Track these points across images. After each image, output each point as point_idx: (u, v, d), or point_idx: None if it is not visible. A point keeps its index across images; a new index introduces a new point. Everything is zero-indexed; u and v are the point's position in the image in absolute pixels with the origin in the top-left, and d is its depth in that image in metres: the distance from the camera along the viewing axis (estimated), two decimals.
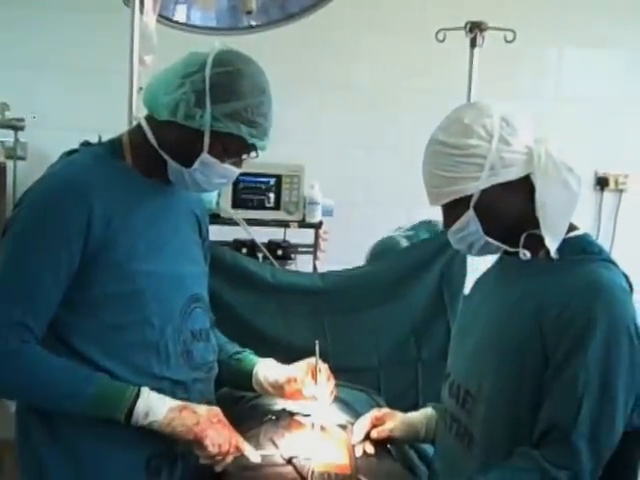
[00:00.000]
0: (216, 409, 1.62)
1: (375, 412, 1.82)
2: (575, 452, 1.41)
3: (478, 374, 1.58)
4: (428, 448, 1.88)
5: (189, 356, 1.66)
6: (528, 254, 1.54)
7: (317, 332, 2.00)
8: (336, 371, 1.89)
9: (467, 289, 1.96)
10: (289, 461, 1.64)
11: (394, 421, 1.79)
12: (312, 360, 1.81)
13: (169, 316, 1.63)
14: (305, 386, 1.79)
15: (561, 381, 1.44)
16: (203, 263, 1.80)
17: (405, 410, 1.85)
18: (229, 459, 1.59)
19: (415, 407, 1.90)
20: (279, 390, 1.83)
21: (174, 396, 1.59)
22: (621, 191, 4.09)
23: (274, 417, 1.82)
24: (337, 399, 1.90)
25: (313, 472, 1.59)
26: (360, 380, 2.15)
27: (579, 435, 1.41)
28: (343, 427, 1.81)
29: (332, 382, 1.82)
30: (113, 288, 1.56)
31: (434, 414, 1.79)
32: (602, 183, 4.06)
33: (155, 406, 1.54)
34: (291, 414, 1.83)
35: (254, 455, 1.61)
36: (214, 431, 1.56)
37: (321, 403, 1.79)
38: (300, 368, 1.82)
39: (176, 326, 1.63)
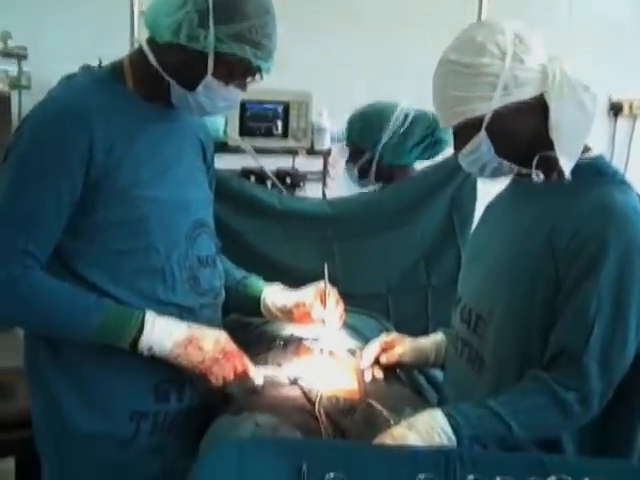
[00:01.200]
0: (223, 338, 1.60)
1: (384, 337, 1.81)
2: (585, 374, 1.40)
3: (490, 299, 1.56)
4: (437, 373, 1.88)
5: (195, 282, 1.64)
6: (541, 176, 1.50)
7: (326, 258, 1.94)
8: (345, 297, 1.87)
9: (477, 214, 1.96)
10: (294, 382, 1.64)
11: (403, 346, 1.78)
12: (321, 284, 1.80)
13: (174, 242, 1.61)
14: (314, 310, 1.78)
15: (573, 304, 1.42)
16: (208, 189, 1.77)
17: (414, 336, 1.85)
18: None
19: (425, 333, 1.90)
20: (287, 315, 1.82)
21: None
22: (635, 117, 4.02)
23: (282, 343, 1.82)
24: (346, 324, 1.89)
25: (321, 396, 1.58)
26: (369, 306, 2.14)
27: (590, 358, 1.40)
28: (352, 352, 1.81)
29: (341, 306, 1.81)
30: (117, 214, 1.54)
31: (444, 339, 1.79)
32: (616, 109, 3.98)
33: (160, 339, 1.53)
34: (299, 340, 1.82)
35: (258, 377, 1.61)
36: (218, 366, 1.57)
37: (330, 327, 1.78)
38: (309, 292, 1.81)
39: (182, 252, 1.62)
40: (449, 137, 2.21)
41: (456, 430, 1.38)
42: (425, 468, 1.25)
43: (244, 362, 1.60)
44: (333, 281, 1.86)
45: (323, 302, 1.78)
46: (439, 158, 2.38)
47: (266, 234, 2.25)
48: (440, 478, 1.24)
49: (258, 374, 1.61)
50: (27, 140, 1.50)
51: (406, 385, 1.81)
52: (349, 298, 1.92)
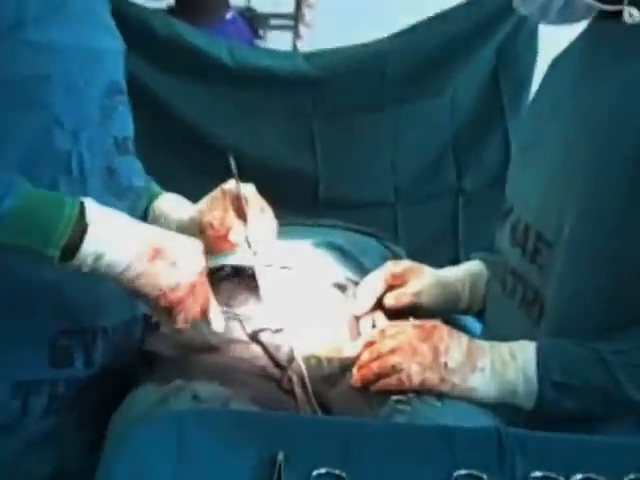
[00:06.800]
0: (199, 250, 1.56)
1: (391, 266, 1.82)
2: None
3: (558, 209, 1.55)
4: (472, 323, 1.89)
5: (111, 176, 1.64)
6: (637, 15, 1.48)
7: (301, 143, 1.98)
8: (330, 206, 1.93)
9: (537, 80, 1.94)
10: (254, 338, 1.65)
11: (421, 280, 1.79)
12: (229, 185, 1.78)
13: (85, 114, 1.59)
14: (232, 230, 1.75)
15: None
16: (120, 36, 1.75)
17: (437, 265, 1.86)
18: None
19: (453, 262, 1.90)
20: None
21: None
22: None
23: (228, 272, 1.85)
24: (332, 246, 1.90)
25: (293, 358, 1.59)
26: (367, 219, 2.13)
27: None
28: (341, 288, 1.83)
29: (269, 214, 1.79)
30: (4, 72, 1.50)
31: (483, 272, 1.81)
32: None
33: (112, 243, 1.44)
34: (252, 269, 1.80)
35: (218, 320, 1.59)
36: (192, 301, 1.54)
37: (261, 251, 1.76)
38: (214, 204, 1.78)
39: (94, 129, 1.60)
40: None
41: (541, 370, 1.46)
42: (466, 459, 1.23)
43: (210, 303, 1.59)
44: (313, 181, 1.92)
45: (240, 214, 1.76)
46: None
47: (211, 106, 2.26)
48: (492, 474, 1.22)
49: (219, 315, 1.60)
50: None
51: None
52: (337, 208, 1.97)
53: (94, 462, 1.33)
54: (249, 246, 1.74)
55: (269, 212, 1.78)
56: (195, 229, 1.77)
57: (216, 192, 1.79)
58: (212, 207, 1.78)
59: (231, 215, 1.75)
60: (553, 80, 1.74)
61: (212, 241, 1.76)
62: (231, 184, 1.77)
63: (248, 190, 1.77)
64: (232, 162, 1.75)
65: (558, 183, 1.57)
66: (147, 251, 1.48)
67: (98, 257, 1.43)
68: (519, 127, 1.92)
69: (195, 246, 1.56)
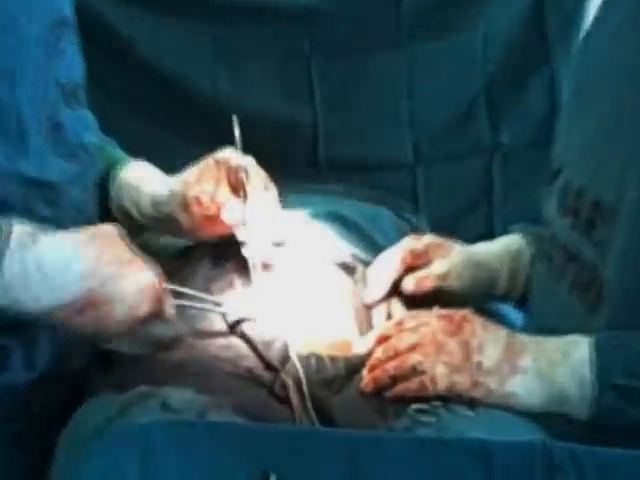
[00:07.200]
0: (148, 294, 1.49)
1: (410, 242, 1.80)
2: None
3: (618, 171, 1.51)
4: (511, 312, 1.89)
5: (58, 133, 1.61)
6: None
7: (296, 90, 1.97)
8: (332, 168, 1.93)
9: (592, 11, 1.95)
10: (238, 331, 1.62)
11: (448, 259, 1.76)
12: (225, 154, 1.76)
13: (22, 54, 1.55)
14: (226, 207, 1.73)
15: None
16: None
17: (468, 240, 1.85)
18: None
19: (488, 235, 1.88)
20: (166, 224, 1.80)
21: (30, 215, 1.50)
22: None
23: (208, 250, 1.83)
24: (334, 217, 1.93)
25: (287, 357, 1.57)
26: (379, 184, 2.13)
27: None
28: (348, 269, 1.82)
29: (273, 192, 1.79)
30: None
31: (525, 248, 1.79)
32: None
33: (29, 293, 1.40)
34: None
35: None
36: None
37: (264, 235, 1.75)
38: (204, 175, 1.76)
39: (35, 75, 1.56)
40: None
41: (598, 371, 1.41)
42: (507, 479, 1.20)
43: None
44: (311, 137, 1.92)
45: (236, 189, 1.75)
46: None
47: (183, 44, 2.24)
48: None
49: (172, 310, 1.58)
50: None
51: None
52: (340, 170, 1.97)
53: None
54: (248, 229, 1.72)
55: (273, 190, 1.78)
56: (176, 205, 1.76)
57: (207, 161, 1.76)
58: (201, 179, 1.75)
59: (225, 190, 1.72)
60: (614, 6, 1.67)
61: (198, 221, 1.75)
62: (227, 153, 1.74)
63: (248, 162, 1.74)
64: (235, 124, 1.72)
65: (617, 141, 1.52)
66: (77, 302, 1.44)
67: (9, 306, 1.39)
68: (570, 67, 1.92)
69: (145, 288, 1.49)
